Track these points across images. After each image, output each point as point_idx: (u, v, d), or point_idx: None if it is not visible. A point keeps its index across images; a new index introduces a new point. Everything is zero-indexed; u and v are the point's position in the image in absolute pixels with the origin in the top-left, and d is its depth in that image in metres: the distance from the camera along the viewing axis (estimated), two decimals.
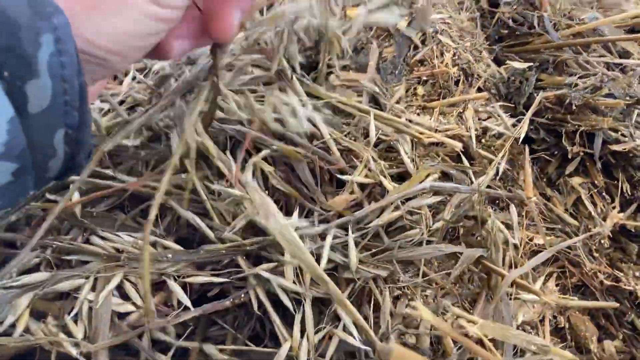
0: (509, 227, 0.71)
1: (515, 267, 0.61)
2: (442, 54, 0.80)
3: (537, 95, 0.81)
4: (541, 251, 0.64)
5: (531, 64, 0.83)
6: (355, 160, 0.62)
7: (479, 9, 0.92)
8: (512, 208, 0.65)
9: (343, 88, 0.73)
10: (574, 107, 0.75)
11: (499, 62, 0.90)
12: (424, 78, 0.78)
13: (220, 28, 0.36)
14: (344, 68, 0.77)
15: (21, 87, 0.26)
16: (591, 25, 0.80)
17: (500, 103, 0.81)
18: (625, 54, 0.81)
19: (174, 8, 0.32)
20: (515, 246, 0.63)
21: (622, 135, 0.75)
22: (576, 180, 0.78)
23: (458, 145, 0.68)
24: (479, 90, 0.80)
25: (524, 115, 0.80)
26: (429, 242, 0.53)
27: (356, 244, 0.52)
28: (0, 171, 0.26)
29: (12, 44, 0.25)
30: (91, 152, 0.33)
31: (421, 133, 0.67)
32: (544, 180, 0.82)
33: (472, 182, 0.66)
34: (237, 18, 0.36)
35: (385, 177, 0.58)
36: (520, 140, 0.76)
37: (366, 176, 0.60)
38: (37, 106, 0.27)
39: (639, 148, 0.73)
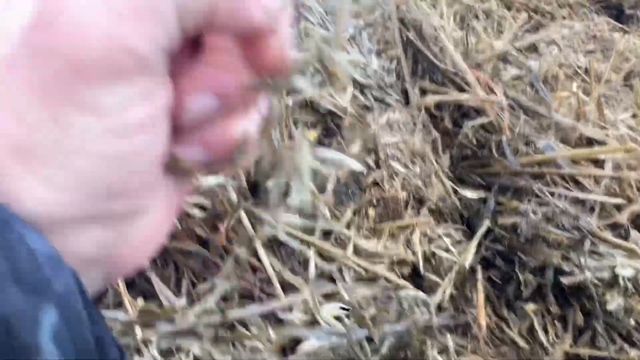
0: (459, 352, 0.73)
1: None
2: (392, 178, 0.84)
3: (496, 218, 0.85)
4: None
5: (484, 195, 0.86)
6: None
7: (442, 128, 0.97)
8: (449, 340, 0.68)
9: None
10: (526, 238, 0.78)
11: (461, 181, 0.94)
12: (375, 201, 0.82)
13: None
14: None
15: None
16: (549, 157, 0.84)
17: (456, 226, 0.85)
18: (577, 183, 0.84)
19: (132, 104, 0.23)
20: None
21: (574, 265, 0.78)
22: (530, 307, 0.80)
23: (394, 278, 0.72)
24: (432, 213, 0.84)
25: (481, 238, 0.83)
26: None
27: None
28: None
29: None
30: None
31: (360, 265, 0.72)
32: (502, 300, 0.84)
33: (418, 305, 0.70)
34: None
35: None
36: (469, 264, 0.79)
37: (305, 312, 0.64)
38: None
39: (589, 280, 0.76)
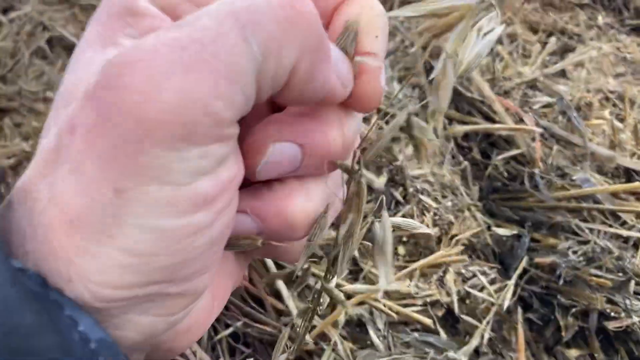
0: None
1: None
2: (422, 213, 0.79)
3: (532, 257, 0.80)
4: None
5: (517, 231, 0.82)
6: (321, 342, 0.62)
7: (471, 159, 0.93)
8: None
9: None
10: (565, 280, 0.73)
11: (492, 214, 0.89)
12: (404, 238, 0.78)
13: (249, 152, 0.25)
14: None
15: None
16: (585, 192, 0.79)
17: (489, 264, 0.80)
18: (619, 221, 0.79)
19: (204, 174, 0.20)
20: None
21: (619, 308, 0.72)
22: (572, 353, 0.75)
23: (428, 322, 0.67)
24: (464, 250, 0.79)
25: (517, 278, 0.78)
26: None
27: None
28: None
29: None
30: None
31: (391, 308, 0.67)
32: (541, 345, 0.79)
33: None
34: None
35: None
36: (507, 305, 0.74)
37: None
38: None
39: (636, 324, 0.71)
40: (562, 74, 1.16)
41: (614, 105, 1.09)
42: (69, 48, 0.93)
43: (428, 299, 0.70)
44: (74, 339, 0.19)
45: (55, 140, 0.20)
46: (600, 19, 1.42)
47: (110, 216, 0.19)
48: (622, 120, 1.03)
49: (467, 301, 0.76)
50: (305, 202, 0.25)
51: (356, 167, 0.26)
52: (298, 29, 0.21)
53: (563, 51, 1.28)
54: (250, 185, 0.25)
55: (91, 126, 0.19)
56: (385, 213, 0.26)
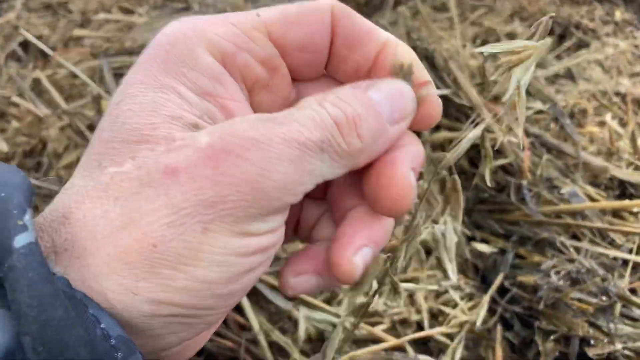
0: None
1: None
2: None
3: (515, 275, 0.76)
4: None
5: (501, 245, 0.78)
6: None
7: (458, 167, 0.88)
8: None
9: None
10: (546, 303, 0.69)
11: (477, 226, 0.85)
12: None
13: (339, 267, 0.29)
14: None
15: None
16: (574, 208, 0.75)
17: (467, 280, 0.77)
18: (605, 237, 0.75)
19: (269, 232, 0.26)
20: None
21: (602, 332, 0.68)
22: None
23: (391, 341, 0.64)
24: (440, 264, 0.76)
25: (498, 296, 0.75)
26: None
27: None
28: None
29: None
30: None
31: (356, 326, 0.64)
32: None
33: None
34: (361, 260, 0.30)
35: None
36: (482, 323, 0.71)
37: None
38: None
39: (619, 352, 0.67)
40: (569, 73, 1.10)
41: (619, 108, 1.04)
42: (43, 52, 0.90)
43: (396, 317, 0.67)
44: (97, 334, 0.22)
45: (138, 172, 0.24)
46: (619, 15, 1.35)
47: (191, 249, 0.23)
48: (624, 125, 0.98)
49: (440, 318, 0.73)
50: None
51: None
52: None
53: (578, 47, 1.22)
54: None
55: (202, 177, 0.23)
56: (447, 215, 0.32)
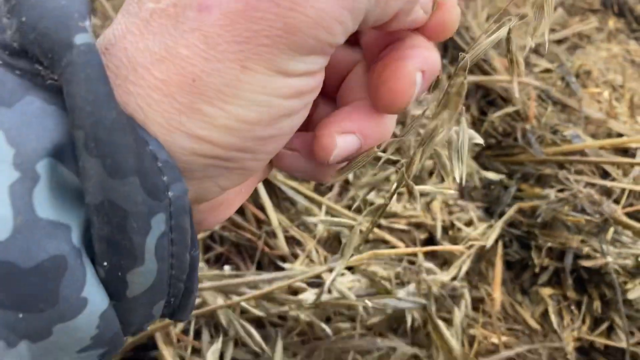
0: (470, 326, 0.70)
1: None
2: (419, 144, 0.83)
3: (515, 204, 0.83)
4: (497, 352, 0.64)
5: (503, 176, 0.85)
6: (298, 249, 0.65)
7: (469, 116, 0.96)
8: (456, 311, 0.65)
9: None
10: (545, 221, 0.76)
11: (485, 169, 0.92)
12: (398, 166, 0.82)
13: (319, 138, 0.29)
14: None
15: (122, 276, 0.23)
16: (575, 147, 0.82)
17: (477, 204, 0.83)
18: (605, 175, 0.82)
19: (307, 74, 0.25)
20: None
21: (594, 250, 0.75)
22: (546, 291, 0.77)
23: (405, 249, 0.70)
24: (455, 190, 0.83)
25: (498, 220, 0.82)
26: (363, 336, 0.54)
27: None
28: (82, 357, 0.24)
29: (116, 239, 0.22)
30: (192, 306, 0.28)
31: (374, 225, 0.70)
32: (517, 285, 0.81)
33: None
34: (343, 142, 0.29)
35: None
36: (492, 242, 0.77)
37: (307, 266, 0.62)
38: (137, 290, 0.24)
39: (610, 265, 0.73)
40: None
41: (615, 90, 1.12)
42: None
43: (413, 220, 0.73)
44: (146, 150, 0.22)
45: (175, 10, 0.24)
46: (612, 24, 1.45)
47: (231, 86, 0.23)
48: (618, 99, 1.06)
49: (450, 232, 0.79)
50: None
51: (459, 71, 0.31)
52: None
53: (573, 49, 1.31)
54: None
55: (233, 12, 0.23)
56: (463, 118, 0.31)
